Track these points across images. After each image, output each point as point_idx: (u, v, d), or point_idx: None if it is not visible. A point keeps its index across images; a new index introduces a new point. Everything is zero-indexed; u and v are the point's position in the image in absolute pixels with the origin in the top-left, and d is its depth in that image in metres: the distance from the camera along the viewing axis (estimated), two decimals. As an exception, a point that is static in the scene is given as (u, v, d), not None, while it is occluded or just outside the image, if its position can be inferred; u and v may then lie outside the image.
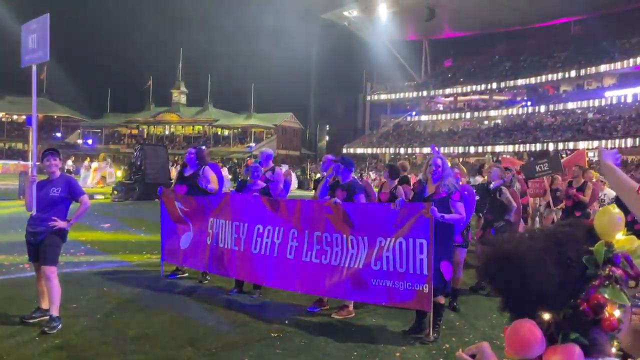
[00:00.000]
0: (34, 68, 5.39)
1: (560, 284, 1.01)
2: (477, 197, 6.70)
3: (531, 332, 1.00)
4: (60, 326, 4.72)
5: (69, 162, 41.48)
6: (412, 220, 4.84)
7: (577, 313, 0.99)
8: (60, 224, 4.91)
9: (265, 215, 5.94)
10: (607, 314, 0.98)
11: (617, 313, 0.99)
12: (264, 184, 6.53)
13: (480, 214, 7.08)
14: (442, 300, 5.01)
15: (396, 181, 6.50)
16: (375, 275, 5.00)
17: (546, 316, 1.01)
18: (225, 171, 23.76)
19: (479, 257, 7.21)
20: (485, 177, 7.88)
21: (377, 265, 4.99)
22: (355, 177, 6.45)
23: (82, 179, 27.18)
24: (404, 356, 4.49)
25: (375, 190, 6.92)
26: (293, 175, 33.01)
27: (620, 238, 1.03)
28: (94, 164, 28.67)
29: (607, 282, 0.99)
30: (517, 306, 1.07)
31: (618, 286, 0.99)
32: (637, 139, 42.03)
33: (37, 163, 5.55)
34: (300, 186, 33.47)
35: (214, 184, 6.98)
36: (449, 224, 4.90)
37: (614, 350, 1.03)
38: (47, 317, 4.81)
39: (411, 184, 7.75)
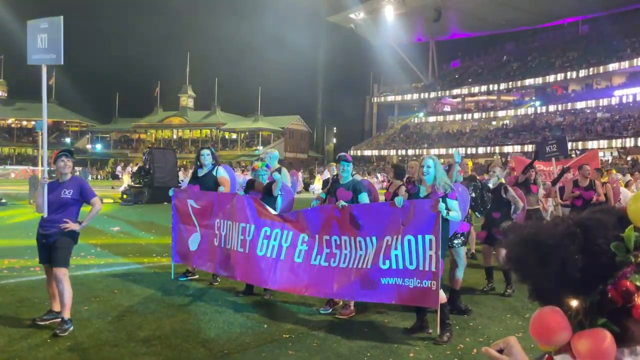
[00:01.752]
0: (44, 68, 5.38)
1: (584, 270, 0.98)
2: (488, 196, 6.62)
3: (553, 318, 0.98)
4: (72, 328, 4.71)
5: (118, 168, 41.40)
6: (420, 217, 4.82)
7: (606, 300, 0.96)
8: (72, 226, 4.90)
9: (273, 219, 5.90)
10: (639, 302, 0.94)
11: None
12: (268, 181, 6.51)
13: (477, 214, 6.89)
14: (444, 299, 4.95)
15: (401, 181, 6.49)
16: (385, 274, 4.96)
17: (574, 303, 0.98)
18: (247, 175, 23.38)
19: (485, 254, 7.12)
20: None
21: (386, 264, 4.95)
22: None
23: (125, 183, 27.15)
24: (418, 356, 4.44)
25: (382, 191, 6.90)
26: (300, 175, 33.05)
27: None
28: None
29: (639, 268, 0.96)
30: (543, 293, 1.06)
31: None
32: (648, 138, 41.65)
33: (50, 167, 5.54)
34: (308, 188, 33.46)
35: (226, 185, 6.97)
36: (445, 222, 4.89)
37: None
38: (59, 320, 4.80)
39: None
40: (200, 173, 7.08)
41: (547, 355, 1.04)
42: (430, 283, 4.70)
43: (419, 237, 4.79)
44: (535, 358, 1.10)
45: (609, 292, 0.96)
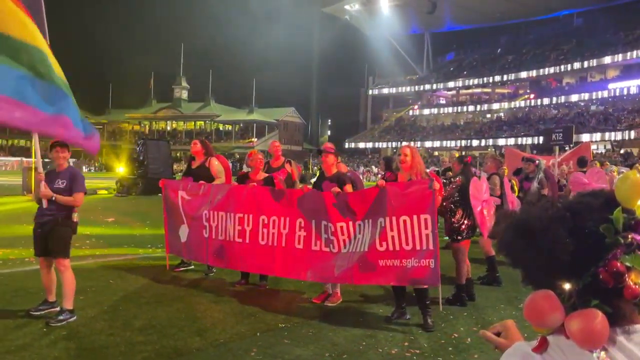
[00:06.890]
0: None
1: (575, 253, 1.00)
2: None
3: (546, 301, 1.00)
4: (73, 319, 4.70)
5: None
6: (414, 197, 4.91)
7: (597, 282, 0.98)
8: (47, 192, 4.75)
9: (269, 206, 5.92)
10: (630, 282, 0.96)
11: None
12: (267, 175, 6.50)
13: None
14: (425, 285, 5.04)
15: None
16: (382, 255, 5.05)
17: (566, 286, 1.00)
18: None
19: (484, 245, 7.17)
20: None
21: (383, 246, 5.03)
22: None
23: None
24: (412, 345, 4.48)
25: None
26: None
27: None
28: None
29: (628, 249, 0.98)
30: (535, 277, 1.07)
31: None
32: (641, 131, 41.90)
33: (44, 159, 5.45)
34: (302, 180, 33.51)
35: (221, 176, 6.95)
36: None
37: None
38: (54, 310, 4.81)
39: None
40: (194, 165, 7.09)
41: (541, 337, 1.06)
42: (429, 262, 4.81)
43: (414, 217, 4.88)
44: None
45: (600, 274, 0.97)
